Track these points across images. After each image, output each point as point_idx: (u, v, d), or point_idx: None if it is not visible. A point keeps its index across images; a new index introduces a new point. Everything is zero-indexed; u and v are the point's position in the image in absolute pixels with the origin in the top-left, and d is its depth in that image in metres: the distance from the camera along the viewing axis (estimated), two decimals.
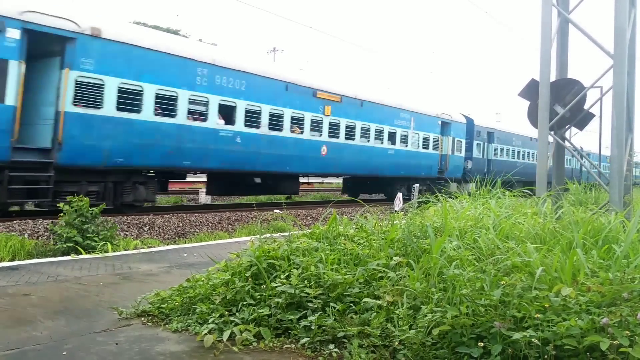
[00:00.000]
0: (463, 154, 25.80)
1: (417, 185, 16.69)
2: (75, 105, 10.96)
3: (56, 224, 9.03)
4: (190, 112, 13.43)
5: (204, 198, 19.86)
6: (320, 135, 17.55)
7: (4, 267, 6.49)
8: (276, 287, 4.16)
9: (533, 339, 2.99)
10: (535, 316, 3.16)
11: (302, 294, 4.04)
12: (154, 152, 12.61)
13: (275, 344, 3.77)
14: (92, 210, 8.63)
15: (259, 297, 4.22)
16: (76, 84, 10.89)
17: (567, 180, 9.58)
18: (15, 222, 10.60)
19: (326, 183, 41.93)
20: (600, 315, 3.05)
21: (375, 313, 3.70)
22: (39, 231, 10.18)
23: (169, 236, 11.71)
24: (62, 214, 8.56)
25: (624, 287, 3.27)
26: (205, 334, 3.85)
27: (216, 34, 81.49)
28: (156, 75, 12.48)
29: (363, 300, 3.87)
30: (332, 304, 3.93)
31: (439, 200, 6.43)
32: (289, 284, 4.12)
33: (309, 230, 5.46)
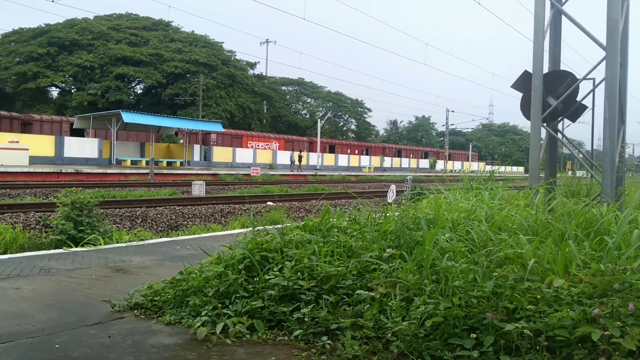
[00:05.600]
0: None
1: (411, 176, 16.72)
2: None
3: (50, 217, 8.98)
4: None
5: (196, 190, 19.82)
6: None
7: None
8: (269, 279, 4.16)
9: (525, 330, 3.00)
10: (528, 307, 3.17)
11: (295, 286, 4.04)
12: None
13: (268, 336, 3.77)
14: (89, 202, 8.59)
15: (252, 289, 4.21)
16: None
17: (559, 172, 9.61)
18: (6, 214, 10.55)
19: (320, 175, 41.96)
20: (591, 306, 3.07)
21: (368, 305, 3.71)
22: (30, 224, 10.13)
23: (162, 229, 11.68)
24: (58, 206, 8.52)
25: (615, 278, 3.29)
26: (198, 326, 3.84)
27: (209, 26, 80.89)
28: None
29: (356, 292, 3.87)
30: (325, 296, 3.93)
31: (432, 192, 6.43)
32: (282, 276, 4.12)
33: (302, 223, 5.45)
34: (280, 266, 4.32)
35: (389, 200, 11.98)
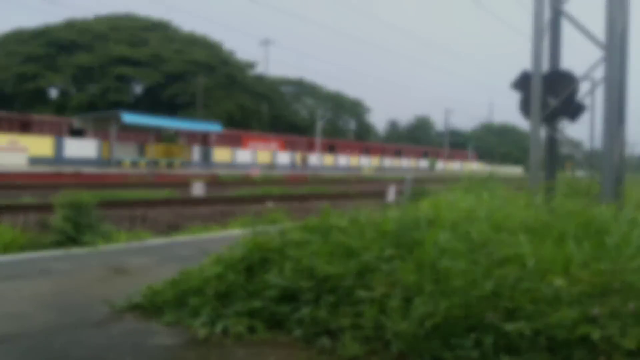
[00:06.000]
0: None
1: (410, 176, 16.73)
2: None
3: (49, 217, 8.98)
4: None
5: (196, 191, 19.81)
6: None
7: None
8: (269, 279, 4.15)
9: (525, 330, 2.99)
10: (528, 307, 3.17)
11: (295, 287, 4.04)
12: None
13: (268, 337, 3.77)
14: (88, 203, 8.59)
15: (252, 289, 4.21)
16: None
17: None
18: (6, 215, 10.55)
19: (319, 175, 41.95)
20: (591, 306, 3.06)
21: (368, 305, 3.70)
22: (30, 224, 10.13)
23: (162, 229, 11.67)
24: (58, 207, 8.52)
25: (615, 277, 3.29)
26: (198, 327, 3.84)
27: (208, 25, 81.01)
28: None
29: (356, 292, 3.86)
30: (325, 296, 3.92)
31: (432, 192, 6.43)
32: (282, 276, 4.12)
33: (302, 223, 5.44)
34: (280, 266, 4.32)
35: (389, 200, 11.98)
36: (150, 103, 57.57)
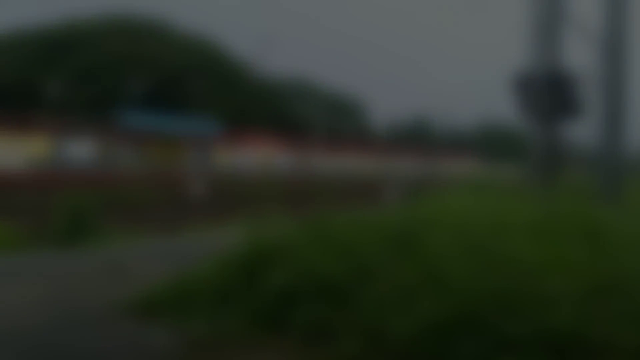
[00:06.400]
0: None
1: (410, 176, 16.74)
2: None
3: (49, 218, 8.99)
4: None
5: (196, 190, 19.81)
6: None
7: None
8: (269, 279, 4.15)
9: (525, 330, 2.99)
10: (527, 307, 3.17)
11: (295, 286, 4.03)
12: None
13: (268, 336, 3.77)
14: (88, 203, 8.61)
15: (251, 289, 4.20)
16: None
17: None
18: (5, 215, 10.54)
19: (319, 175, 41.95)
20: (591, 305, 3.06)
21: (368, 305, 3.70)
22: (29, 225, 10.13)
23: (161, 229, 11.67)
24: (57, 207, 8.54)
25: (615, 277, 3.29)
26: (198, 327, 3.84)
27: (209, 25, 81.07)
28: None
29: (356, 292, 3.86)
30: (325, 296, 3.92)
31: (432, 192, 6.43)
32: (282, 276, 4.11)
33: (302, 222, 5.44)
34: (280, 266, 4.31)
35: (389, 200, 11.99)
36: (150, 103, 57.51)
